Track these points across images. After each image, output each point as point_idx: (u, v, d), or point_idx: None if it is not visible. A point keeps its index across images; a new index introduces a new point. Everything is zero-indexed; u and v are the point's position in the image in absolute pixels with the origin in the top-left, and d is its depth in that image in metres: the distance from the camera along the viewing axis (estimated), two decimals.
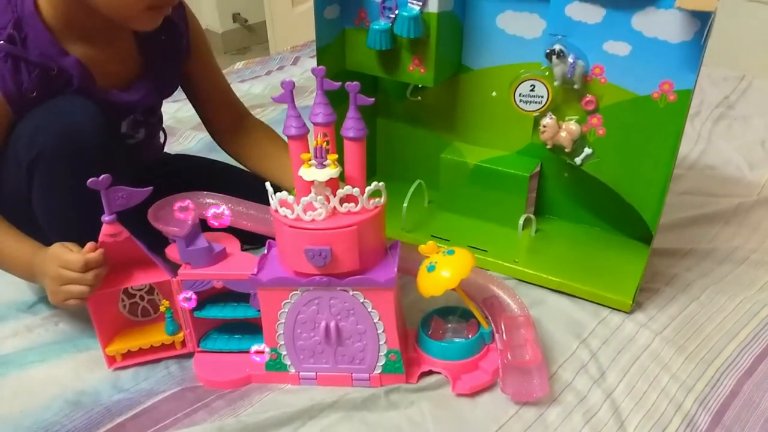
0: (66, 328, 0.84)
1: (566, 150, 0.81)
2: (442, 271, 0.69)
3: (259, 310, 0.71)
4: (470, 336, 0.75)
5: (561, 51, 0.75)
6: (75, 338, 0.82)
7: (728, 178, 1.12)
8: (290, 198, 0.65)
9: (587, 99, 0.77)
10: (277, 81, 1.56)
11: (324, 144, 0.65)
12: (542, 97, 0.80)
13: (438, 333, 0.76)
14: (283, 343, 0.72)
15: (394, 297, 0.69)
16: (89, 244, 0.68)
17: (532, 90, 0.80)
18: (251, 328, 0.75)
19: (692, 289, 0.87)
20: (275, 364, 0.73)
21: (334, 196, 0.65)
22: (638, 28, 0.72)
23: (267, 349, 0.72)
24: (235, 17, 3.03)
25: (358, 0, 0.87)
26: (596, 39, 0.74)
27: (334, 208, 0.66)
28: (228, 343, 0.76)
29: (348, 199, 0.66)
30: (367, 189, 0.66)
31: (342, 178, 0.67)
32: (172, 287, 0.73)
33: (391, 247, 0.72)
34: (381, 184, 0.67)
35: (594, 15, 0.73)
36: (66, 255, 0.68)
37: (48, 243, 0.73)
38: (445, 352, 0.73)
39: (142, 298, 0.77)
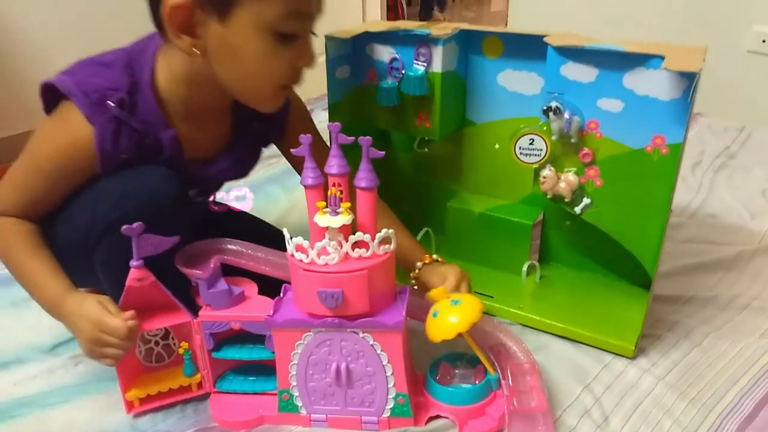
0: (86, 369, 0.87)
1: (566, 200, 0.84)
2: (449, 317, 0.71)
3: (273, 352, 0.74)
4: (477, 382, 0.77)
5: (557, 108, 0.80)
6: (95, 380, 0.85)
7: (729, 227, 1.14)
8: (305, 243, 0.69)
9: (584, 152, 0.82)
10: None
11: (338, 193, 0.69)
12: (541, 150, 0.84)
13: (446, 378, 0.78)
14: (295, 384, 0.75)
15: (403, 340, 0.72)
16: (130, 312, 0.71)
17: (531, 143, 0.84)
18: (266, 370, 0.78)
19: (694, 335, 0.89)
20: (287, 406, 0.76)
21: (347, 241, 0.69)
22: (629, 86, 0.76)
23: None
24: None
25: (368, 61, 0.93)
26: (590, 96, 0.79)
27: (347, 253, 0.70)
28: (243, 384, 0.79)
29: (359, 244, 0.70)
30: (378, 235, 0.70)
31: (354, 226, 0.71)
32: (192, 329, 0.76)
33: (401, 292, 0.75)
34: (391, 231, 0.71)
35: (587, 75, 0.78)
36: (108, 321, 0.70)
37: (86, 285, 0.77)
38: (452, 397, 0.75)
39: (156, 343, 0.80)
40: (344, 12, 2.87)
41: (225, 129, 0.85)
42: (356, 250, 0.70)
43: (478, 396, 0.75)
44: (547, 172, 0.85)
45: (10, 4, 1.92)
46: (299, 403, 0.75)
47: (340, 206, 0.69)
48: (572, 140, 0.82)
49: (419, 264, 0.87)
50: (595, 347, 0.87)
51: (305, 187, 0.72)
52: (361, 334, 0.71)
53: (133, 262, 0.71)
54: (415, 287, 0.85)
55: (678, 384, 0.81)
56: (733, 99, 1.89)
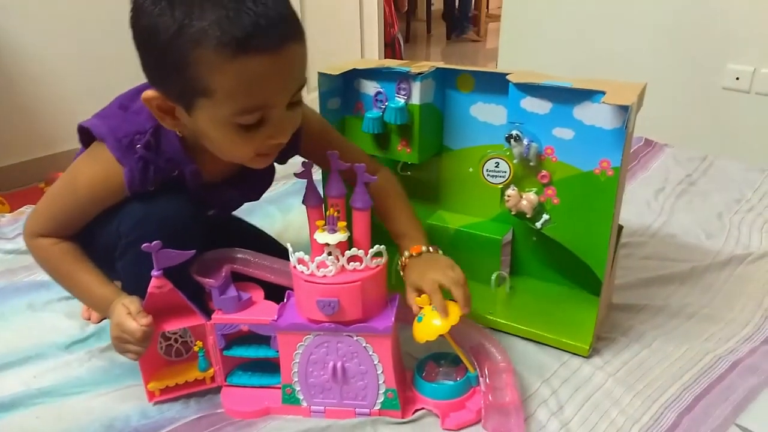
0: (100, 364, 0.96)
1: (527, 216, 0.95)
2: (433, 320, 0.80)
3: (277, 351, 0.84)
4: (458, 378, 0.86)
5: (517, 135, 0.91)
6: (107, 374, 0.94)
7: (686, 246, 1.25)
8: (306, 257, 0.79)
9: (542, 174, 0.92)
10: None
11: (335, 213, 0.79)
12: (505, 172, 0.95)
13: (431, 375, 0.87)
14: (297, 380, 0.84)
15: (392, 343, 0.81)
16: (147, 319, 0.80)
17: (496, 166, 0.96)
18: (270, 367, 0.88)
19: (645, 338, 0.99)
20: (290, 398, 0.85)
21: (343, 256, 0.79)
22: (578, 117, 0.87)
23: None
24: None
25: (356, 94, 1.06)
26: (546, 126, 0.90)
27: (343, 266, 0.79)
28: (251, 379, 0.89)
29: (354, 258, 0.79)
30: (371, 250, 0.80)
31: (350, 242, 0.81)
32: (206, 330, 0.86)
33: (391, 299, 0.85)
34: (382, 247, 0.81)
35: (543, 107, 0.89)
36: (128, 325, 0.79)
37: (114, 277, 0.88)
38: (435, 392, 0.84)
39: (176, 340, 0.89)
40: (344, 49, 3.03)
41: (232, 166, 0.91)
42: (351, 263, 0.79)
43: (458, 391, 0.84)
44: (511, 191, 0.95)
45: (21, 33, 2.06)
46: (300, 396, 0.85)
47: (337, 225, 0.79)
48: (531, 163, 0.92)
49: (406, 254, 0.90)
50: (555, 347, 0.97)
51: (307, 206, 0.82)
52: (355, 338, 0.81)
53: (154, 272, 0.80)
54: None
55: (627, 379, 0.90)
56: (708, 132, 2.01)
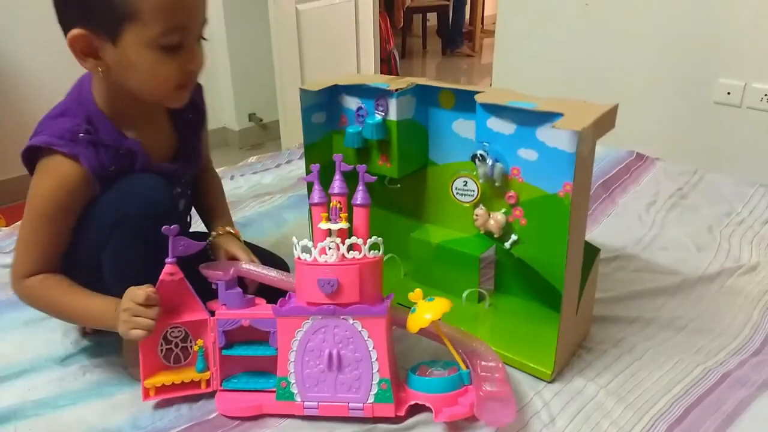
0: (92, 378, 0.97)
1: (495, 236, 0.94)
2: (425, 312, 0.84)
3: (276, 348, 0.87)
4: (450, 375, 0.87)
5: (482, 155, 0.91)
6: (100, 387, 0.95)
7: (677, 258, 1.26)
8: (309, 244, 0.85)
9: (509, 194, 0.91)
10: (285, 172, 1.75)
11: (338, 205, 0.86)
12: (473, 191, 0.97)
13: (424, 374, 0.89)
14: (293, 371, 0.87)
15: (386, 327, 0.85)
16: (150, 287, 0.85)
17: (465, 185, 0.98)
18: (266, 375, 0.90)
19: (636, 350, 1.00)
20: (284, 394, 0.87)
21: (343, 244, 0.84)
22: (542, 139, 0.85)
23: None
24: (251, 116, 3.31)
25: (340, 109, 1.09)
26: (512, 146, 0.89)
27: (343, 255, 0.84)
28: (246, 383, 0.91)
29: (354, 247, 0.85)
30: (369, 241, 0.86)
31: (350, 233, 0.86)
32: (207, 327, 0.89)
33: (387, 297, 0.89)
34: (380, 238, 0.86)
35: (508, 128, 0.89)
36: (133, 290, 0.84)
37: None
38: (428, 385, 0.86)
39: (176, 345, 0.91)
40: (341, 64, 3.05)
41: (168, 128, 0.99)
42: (351, 252, 0.84)
43: (450, 386, 0.86)
44: (479, 210, 0.95)
45: (23, 52, 2.07)
46: (294, 391, 0.87)
47: (339, 215, 0.85)
48: (496, 184, 0.92)
49: (214, 233, 1.03)
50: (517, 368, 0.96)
51: (312, 204, 0.88)
52: (351, 321, 0.85)
53: (168, 259, 0.85)
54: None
55: (618, 391, 0.91)
56: (700, 146, 2.03)
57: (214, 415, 0.89)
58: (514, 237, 0.94)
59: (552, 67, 2.33)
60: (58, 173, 0.86)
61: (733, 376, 0.93)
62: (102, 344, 1.04)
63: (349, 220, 0.87)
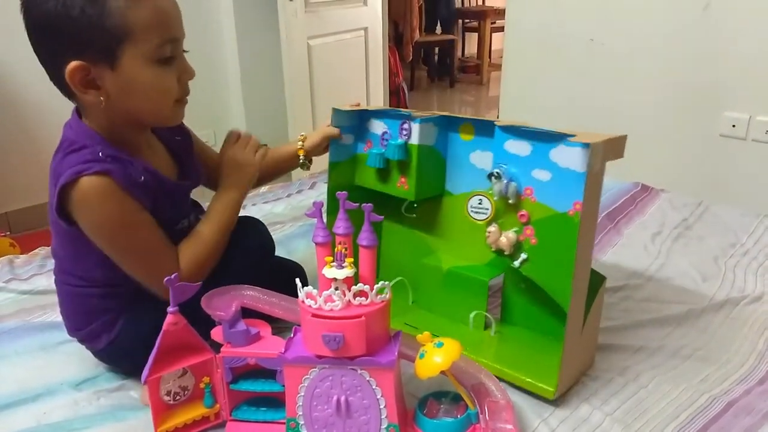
0: (107, 402, 0.99)
1: (506, 253, 0.98)
2: (434, 357, 0.82)
3: (283, 385, 0.86)
4: (459, 416, 0.87)
5: (498, 173, 0.96)
6: (114, 411, 0.96)
7: (683, 288, 1.27)
8: (314, 291, 0.82)
9: (521, 213, 0.95)
10: (296, 202, 1.79)
11: (343, 250, 0.83)
12: (487, 209, 1.00)
13: (432, 412, 0.89)
14: (301, 413, 0.86)
15: (394, 377, 0.83)
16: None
17: (480, 203, 1.01)
18: (275, 403, 0.90)
19: (641, 378, 1.00)
20: None
21: (349, 291, 0.82)
22: (555, 160, 0.90)
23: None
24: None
25: (367, 133, 1.15)
26: (527, 167, 0.93)
27: (349, 301, 0.82)
28: (255, 414, 0.91)
29: (360, 294, 0.82)
30: (375, 287, 0.83)
31: (356, 277, 0.85)
32: (213, 364, 0.89)
33: (394, 335, 0.88)
34: (387, 283, 0.84)
35: (524, 149, 0.94)
36: (239, 145, 1.07)
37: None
38: (437, 428, 0.86)
39: (174, 382, 0.90)
40: (351, 97, 3.10)
41: (164, 152, 1.04)
42: (357, 298, 0.82)
43: (459, 428, 0.86)
44: (492, 228, 0.99)
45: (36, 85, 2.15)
46: (304, 431, 0.87)
47: (344, 261, 0.83)
48: (510, 201, 0.95)
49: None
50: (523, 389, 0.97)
51: (316, 244, 0.86)
52: (359, 371, 0.83)
53: (170, 309, 0.84)
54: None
55: (624, 419, 0.92)
56: (706, 178, 2.06)
57: None
58: (523, 256, 0.96)
59: (558, 100, 2.38)
60: (101, 190, 0.88)
61: (738, 405, 0.94)
62: (116, 370, 1.06)
63: (354, 258, 0.84)
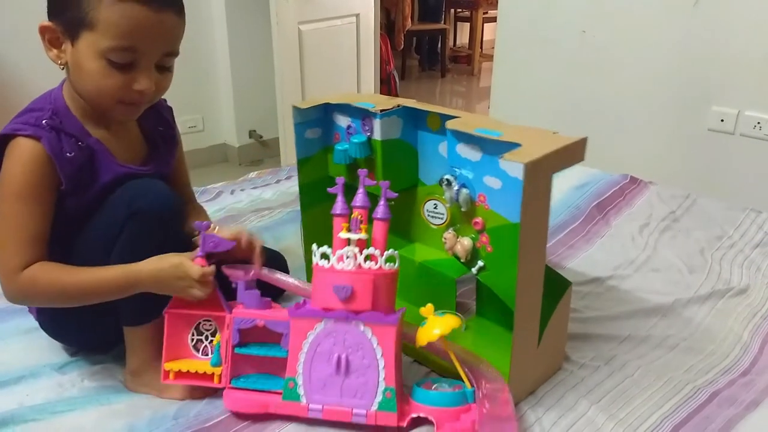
0: (90, 385, 0.98)
1: (462, 260, 0.94)
2: (434, 325, 0.87)
3: (287, 351, 0.89)
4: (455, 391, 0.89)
5: (448, 180, 0.92)
6: (98, 394, 0.96)
7: (669, 280, 1.28)
8: (328, 250, 0.89)
9: (476, 220, 0.90)
10: (285, 188, 1.78)
11: (359, 217, 0.91)
12: (443, 214, 0.98)
13: (428, 388, 0.90)
14: (301, 372, 0.88)
15: (396, 335, 0.87)
16: (207, 268, 0.90)
17: (435, 208, 1.00)
18: (275, 378, 0.92)
19: (627, 368, 1.01)
20: (290, 394, 0.88)
21: (361, 254, 0.87)
22: (504, 168, 0.83)
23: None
24: (251, 133, 3.34)
25: (333, 126, 1.12)
26: (478, 173, 0.88)
27: (359, 264, 0.87)
28: (255, 383, 0.92)
29: (371, 258, 0.88)
30: (386, 254, 0.89)
31: (368, 243, 0.90)
32: (224, 323, 0.93)
33: (399, 310, 0.91)
34: (396, 252, 0.89)
35: (474, 155, 0.89)
36: (187, 262, 0.89)
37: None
38: (432, 398, 0.88)
39: (207, 338, 0.96)
40: (342, 84, 3.10)
41: (138, 137, 1.04)
42: (367, 262, 0.88)
43: (454, 401, 0.87)
44: (448, 233, 0.95)
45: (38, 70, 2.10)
46: (301, 392, 0.88)
47: (359, 227, 0.89)
48: (462, 209, 0.91)
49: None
50: None
51: (334, 215, 0.92)
52: (362, 328, 0.87)
53: (198, 255, 0.91)
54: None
55: (609, 407, 0.93)
56: (694, 172, 2.07)
57: (210, 423, 0.90)
58: (480, 263, 0.92)
59: (549, 92, 2.38)
60: (21, 153, 0.90)
61: (722, 395, 0.95)
62: (100, 353, 1.05)
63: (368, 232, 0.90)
